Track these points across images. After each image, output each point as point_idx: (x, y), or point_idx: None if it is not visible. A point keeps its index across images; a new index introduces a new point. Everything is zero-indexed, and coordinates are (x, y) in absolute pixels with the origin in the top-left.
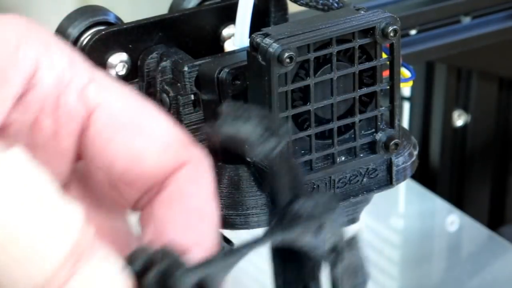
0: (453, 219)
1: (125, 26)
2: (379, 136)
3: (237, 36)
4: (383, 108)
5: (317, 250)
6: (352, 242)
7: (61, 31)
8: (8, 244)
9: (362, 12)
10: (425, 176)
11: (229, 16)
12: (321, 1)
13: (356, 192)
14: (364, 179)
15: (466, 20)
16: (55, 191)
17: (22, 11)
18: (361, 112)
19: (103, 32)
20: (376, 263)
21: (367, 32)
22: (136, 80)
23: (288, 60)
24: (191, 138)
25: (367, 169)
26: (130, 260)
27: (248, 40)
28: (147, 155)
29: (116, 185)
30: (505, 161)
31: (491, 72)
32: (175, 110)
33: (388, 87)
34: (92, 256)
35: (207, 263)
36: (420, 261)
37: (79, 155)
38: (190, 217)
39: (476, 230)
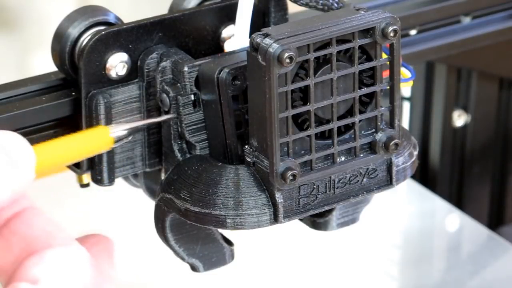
0: (453, 219)
1: (125, 26)
2: (379, 136)
3: (237, 36)
4: (383, 108)
5: None
6: None
7: (61, 31)
8: None
9: (362, 12)
10: (425, 176)
11: (229, 16)
12: (321, 1)
13: (356, 192)
14: (364, 179)
15: (466, 20)
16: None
17: (22, 11)
18: (361, 112)
19: (103, 32)
20: (376, 263)
21: (367, 32)
22: (136, 80)
23: (288, 60)
24: None
25: (367, 169)
26: None
27: (248, 40)
28: None
29: None
30: (505, 161)
31: (491, 72)
32: (175, 110)
33: (388, 87)
34: None
35: None
36: (420, 261)
37: None
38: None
39: (476, 230)
